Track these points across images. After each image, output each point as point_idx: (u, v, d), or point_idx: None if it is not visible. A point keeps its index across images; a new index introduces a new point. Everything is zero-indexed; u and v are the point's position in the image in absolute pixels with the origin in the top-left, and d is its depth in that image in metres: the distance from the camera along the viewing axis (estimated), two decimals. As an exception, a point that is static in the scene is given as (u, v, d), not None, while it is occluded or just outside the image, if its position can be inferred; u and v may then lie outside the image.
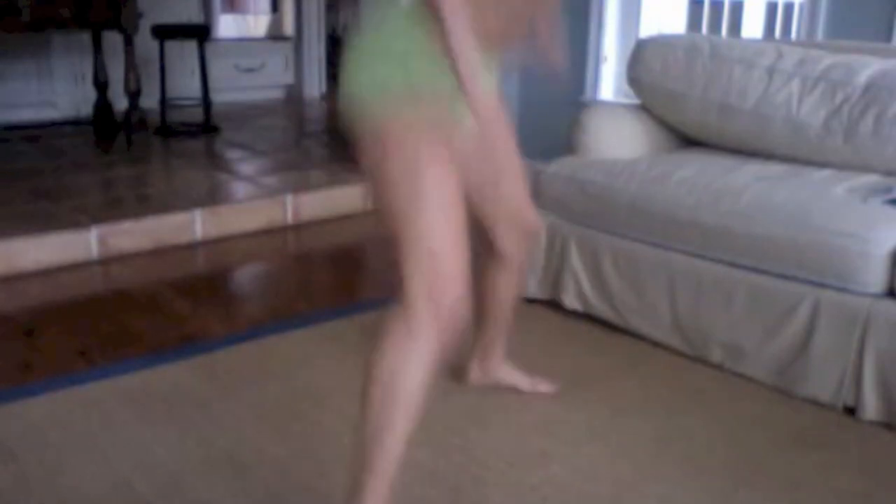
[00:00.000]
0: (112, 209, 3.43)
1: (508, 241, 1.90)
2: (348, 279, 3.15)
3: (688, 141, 2.88)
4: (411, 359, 1.39)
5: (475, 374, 2.16)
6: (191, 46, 5.48)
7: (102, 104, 4.89)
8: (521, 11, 1.52)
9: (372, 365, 1.42)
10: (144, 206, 3.49)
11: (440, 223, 1.39)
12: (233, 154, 4.61)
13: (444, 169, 1.41)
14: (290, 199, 3.69)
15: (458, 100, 1.40)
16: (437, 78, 1.37)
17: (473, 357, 2.14)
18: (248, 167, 4.30)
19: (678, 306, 2.36)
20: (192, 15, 6.01)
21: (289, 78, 6.80)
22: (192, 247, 3.37)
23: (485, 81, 1.59)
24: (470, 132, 1.59)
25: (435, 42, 1.34)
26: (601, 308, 2.55)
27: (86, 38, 4.95)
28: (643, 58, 2.86)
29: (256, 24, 6.49)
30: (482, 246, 1.91)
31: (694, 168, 2.47)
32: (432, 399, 1.46)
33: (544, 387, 2.15)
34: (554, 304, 2.66)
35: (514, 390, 2.14)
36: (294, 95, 6.82)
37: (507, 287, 1.99)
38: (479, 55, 1.41)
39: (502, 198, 1.83)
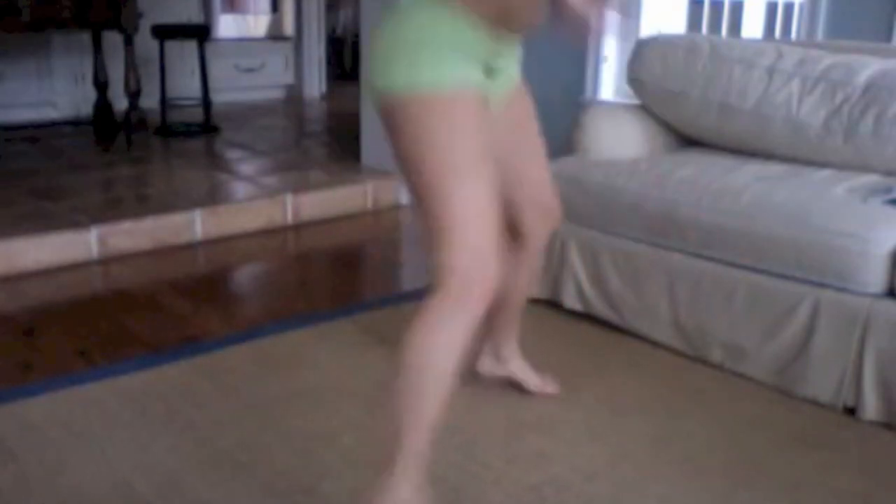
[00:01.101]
0: (112, 209, 3.42)
1: (531, 223, 1.88)
2: (348, 279, 3.14)
3: (688, 141, 2.88)
4: (445, 333, 1.37)
5: (487, 364, 2.13)
6: (191, 46, 5.48)
7: (102, 104, 4.89)
8: None
9: (406, 344, 1.39)
10: (144, 206, 3.49)
11: (474, 197, 1.38)
12: (233, 154, 4.61)
13: (475, 143, 1.41)
14: (290, 199, 3.69)
15: (488, 79, 1.45)
16: (463, 59, 1.41)
17: (485, 347, 2.11)
18: (248, 167, 4.29)
19: (678, 306, 2.36)
20: (192, 15, 6.01)
21: (289, 78, 6.80)
22: (191, 247, 3.37)
23: (509, 67, 1.59)
24: (495, 112, 1.60)
25: (461, 23, 1.39)
26: (601, 308, 2.55)
27: (86, 38, 4.95)
28: (643, 58, 2.86)
29: (256, 24, 6.49)
30: (504, 228, 1.91)
31: (694, 168, 2.47)
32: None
33: (552, 388, 2.14)
34: (554, 304, 2.66)
35: (515, 388, 2.14)
36: (294, 95, 6.82)
37: (526, 271, 1.97)
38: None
39: (525, 179, 1.82)
